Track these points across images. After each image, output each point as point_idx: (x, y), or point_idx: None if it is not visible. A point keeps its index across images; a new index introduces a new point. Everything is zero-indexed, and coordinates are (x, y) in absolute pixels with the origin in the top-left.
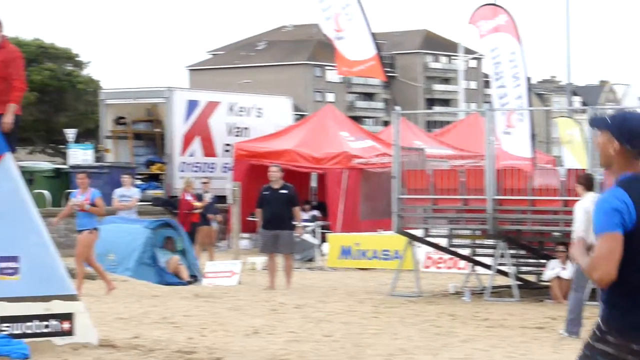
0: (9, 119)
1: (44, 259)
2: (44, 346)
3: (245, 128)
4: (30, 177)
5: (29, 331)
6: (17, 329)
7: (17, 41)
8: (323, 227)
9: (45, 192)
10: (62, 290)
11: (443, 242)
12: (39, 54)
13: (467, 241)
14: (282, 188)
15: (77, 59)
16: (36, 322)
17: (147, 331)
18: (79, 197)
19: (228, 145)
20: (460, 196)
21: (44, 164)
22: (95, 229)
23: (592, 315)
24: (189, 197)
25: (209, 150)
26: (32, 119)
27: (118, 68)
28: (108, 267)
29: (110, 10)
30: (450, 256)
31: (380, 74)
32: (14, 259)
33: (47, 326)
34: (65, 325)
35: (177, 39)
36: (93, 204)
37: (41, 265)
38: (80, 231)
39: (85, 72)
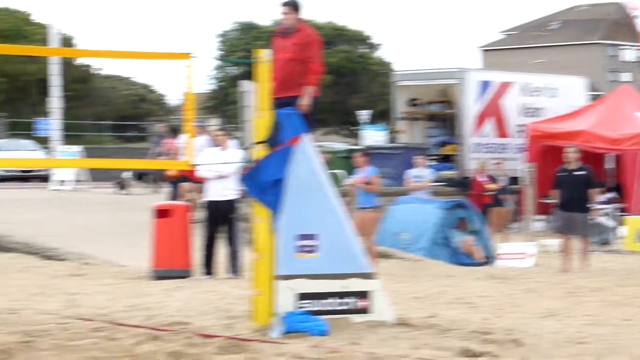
0: (306, 101)
1: (341, 238)
2: (341, 323)
3: (539, 108)
4: (326, 158)
5: (327, 308)
6: (316, 305)
7: (311, 24)
8: (620, 210)
9: (341, 172)
10: (359, 269)
11: None
12: (334, 37)
13: None
14: (578, 169)
15: (369, 41)
16: (334, 300)
17: (442, 311)
18: (357, 175)
19: (521, 125)
20: None
21: (339, 144)
22: (376, 207)
23: None
24: (482, 179)
25: (501, 131)
26: (328, 100)
27: (409, 49)
28: (401, 246)
29: None
30: None
31: None
32: (312, 237)
33: (344, 304)
34: (362, 303)
35: (470, 19)
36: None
37: (338, 244)
38: (361, 209)
39: (377, 54)
